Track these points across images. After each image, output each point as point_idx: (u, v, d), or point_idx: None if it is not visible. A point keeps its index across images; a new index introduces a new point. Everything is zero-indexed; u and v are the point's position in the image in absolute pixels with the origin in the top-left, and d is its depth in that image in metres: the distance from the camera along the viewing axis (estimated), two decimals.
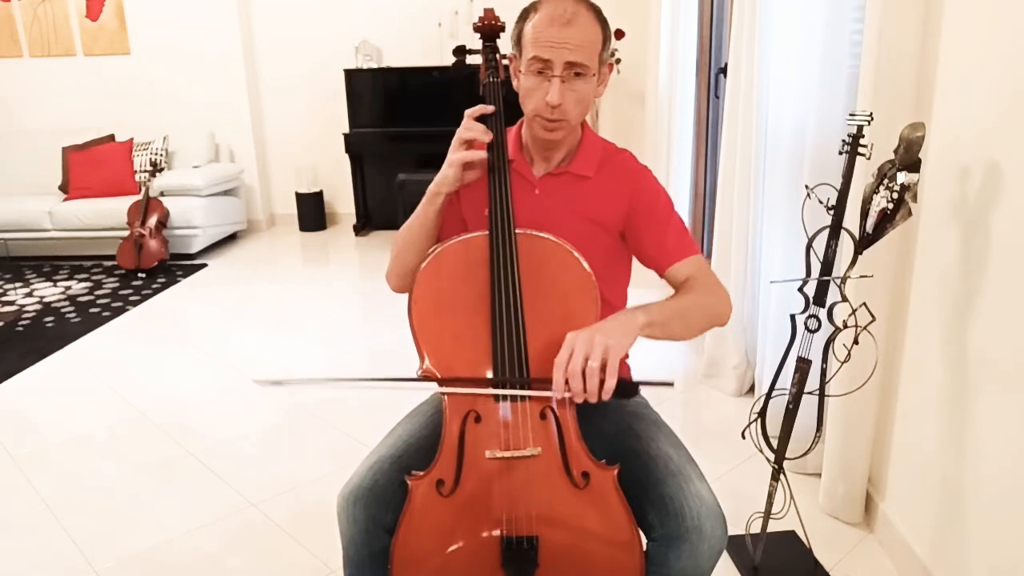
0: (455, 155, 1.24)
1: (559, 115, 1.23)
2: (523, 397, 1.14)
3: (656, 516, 1.14)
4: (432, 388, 1.16)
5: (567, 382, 1.04)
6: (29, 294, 4.33)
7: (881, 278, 1.72)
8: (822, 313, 1.62)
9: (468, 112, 1.26)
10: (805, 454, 1.78)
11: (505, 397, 1.13)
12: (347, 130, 5.34)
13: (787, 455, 1.74)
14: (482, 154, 1.24)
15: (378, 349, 3.35)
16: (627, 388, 1.08)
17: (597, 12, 1.24)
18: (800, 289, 1.63)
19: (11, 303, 4.16)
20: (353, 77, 5.28)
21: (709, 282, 1.31)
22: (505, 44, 1.31)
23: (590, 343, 1.04)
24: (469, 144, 1.24)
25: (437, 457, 1.14)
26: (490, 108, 1.27)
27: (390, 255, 1.37)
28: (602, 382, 1.03)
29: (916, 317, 1.70)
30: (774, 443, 1.75)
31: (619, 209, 1.33)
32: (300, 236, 5.62)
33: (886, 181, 1.45)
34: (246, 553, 1.94)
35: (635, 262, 1.42)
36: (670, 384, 1.13)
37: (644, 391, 1.43)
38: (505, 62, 1.34)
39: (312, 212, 5.69)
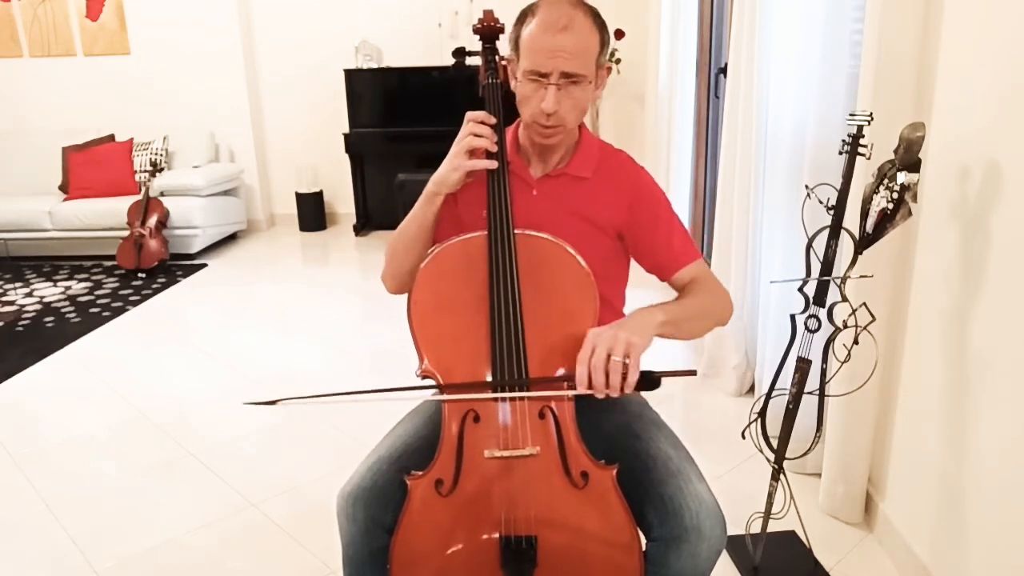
0: (464, 162, 1.23)
1: (555, 122, 1.23)
2: (524, 396, 1.14)
3: (655, 516, 1.14)
4: (437, 396, 1.16)
5: (590, 377, 1.05)
6: (29, 294, 4.33)
7: (881, 278, 1.72)
8: (822, 313, 1.62)
9: (471, 115, 1.25)
10: (805, 454, 1.78)
11: (505, 397, 1.13)
12: (347, 130, 5.34)
13: (787, 455, 1.74)
14: (492, 163, 1.24)
15: (378, 349, 3.35)
16: (650, 380, 1.07)
17: (595, 16, 1.22)
18: (800, 289, 1.63)
19: (11, 303, 4.16)
20: (353, 77, 5.28)
21: (713, 284, 1.34)
22: (504, 46, 1.31)
23: (613, 339, 1.05)
24: (474, 151, 1.24)
25: (436, 457, 1.14)
26: (493, 119, 1.26)
27: (385, 257, 1.37)
28: (624, 376, 1.04)
29: (916, 317, 1.70)
30: (774, 443, 1.75)
31: (618, 211, 1.33)
32: (300, 236, 5.63)
33: (886, 181, 1.45)
34: (246, 553, 1.94)
35: (633, 263, 1.42)
36: (692, 373, 1.13)
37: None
38: (503, 63, 1.33)
39: (312, 212, 5.69)
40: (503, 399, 1.13)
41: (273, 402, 1.14)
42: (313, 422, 2.63)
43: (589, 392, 1.06)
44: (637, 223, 1.34)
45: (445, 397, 1.16)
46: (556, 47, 1.18)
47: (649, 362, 1.06)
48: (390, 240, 1.36)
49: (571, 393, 1.11)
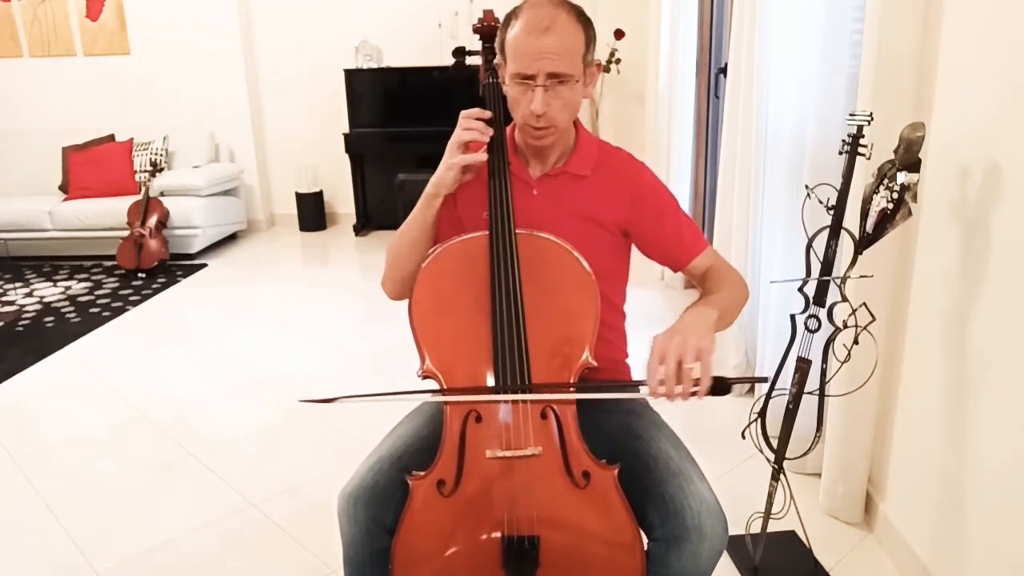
0: (454, 158, 1.23)
1: (545, 123, 1.23)
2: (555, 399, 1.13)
3: (657, 516, 1.14)
4: (459, 398, 1.16)
5: (662, 383, 1.04)
6: (29, 294, 4.33)
7: (881, 278, 1.72)
8: (822, 313, 1.62)
9: (465, 113, 1.25)
10: (805, 454, 1.78)
11: (542, 398, 1.13)
12: (347, 130, 5.34)
13: (787, 455, 1.74)
14: (482, 157, 1.24)
15: (378, 349, 3.35)
16: (722, 386, 1.05)
17: (579, 13, 1.22)
18: (800, 289, 1.63)
19: (11, 303, 4.16)
20: (353, 77, 5.28)
21: (729, 269, 1.37)
22: None
23: (683, 345, 1.04)
24: (467, 146, 1.24)
25: (438, 457, 1.14)
26: (488, 113, 1.26)
27: (386, 261, 1.36)
28: (696, 382, 1.04)
29: (916, 317, 1.70)
30: (774, 443, 1.75)
31: (621, 207, 1.33)
32: (300, 236, 5.62)
33: (886, 181, 1.45)
34: (246, 553, 1.94)
35: (633, 262, 1.42)
36: (765, 380, 1.12)
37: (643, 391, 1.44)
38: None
39: (312, 212, 5.69)
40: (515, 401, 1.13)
41: (329, 400, 1.13)
42: (313, 422, 2.63)
43: (661, 397, 1.05)
44: (642, 219, 1.34)
45: (485, 398, 1.15)
46: (540, 49, 1.17)
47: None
48: (390, 244, 1.36)
49: (639, 396, 1.09)
